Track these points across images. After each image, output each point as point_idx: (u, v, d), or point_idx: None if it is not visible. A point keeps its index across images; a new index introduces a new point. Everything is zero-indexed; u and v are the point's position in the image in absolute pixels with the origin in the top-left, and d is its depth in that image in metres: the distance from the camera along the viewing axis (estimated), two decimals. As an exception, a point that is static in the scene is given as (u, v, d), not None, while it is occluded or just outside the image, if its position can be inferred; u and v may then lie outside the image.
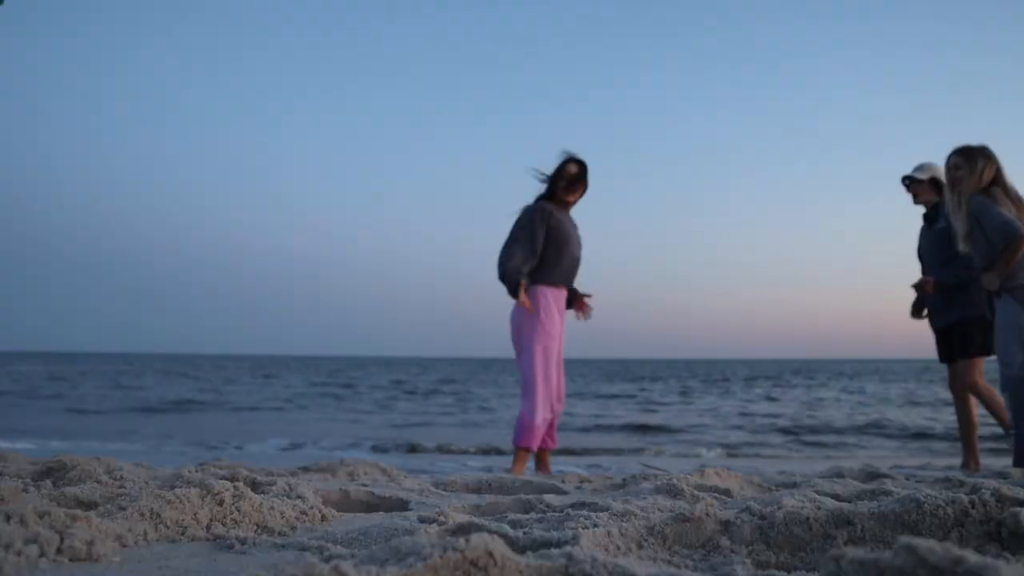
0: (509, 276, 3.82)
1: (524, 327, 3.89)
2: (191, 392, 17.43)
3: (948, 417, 11.39)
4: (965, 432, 4.27)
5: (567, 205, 4.03)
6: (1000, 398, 4.06)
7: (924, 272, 4.45)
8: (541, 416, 3.80)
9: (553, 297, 3.90)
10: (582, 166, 4.00)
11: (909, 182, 4.43)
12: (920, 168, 4.42)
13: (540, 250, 3.87)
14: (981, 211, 3.66)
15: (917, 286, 4.36)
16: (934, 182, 4.37)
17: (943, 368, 4.43)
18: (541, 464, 3.96)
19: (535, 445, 3.82)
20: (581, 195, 4.04)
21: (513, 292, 3.81)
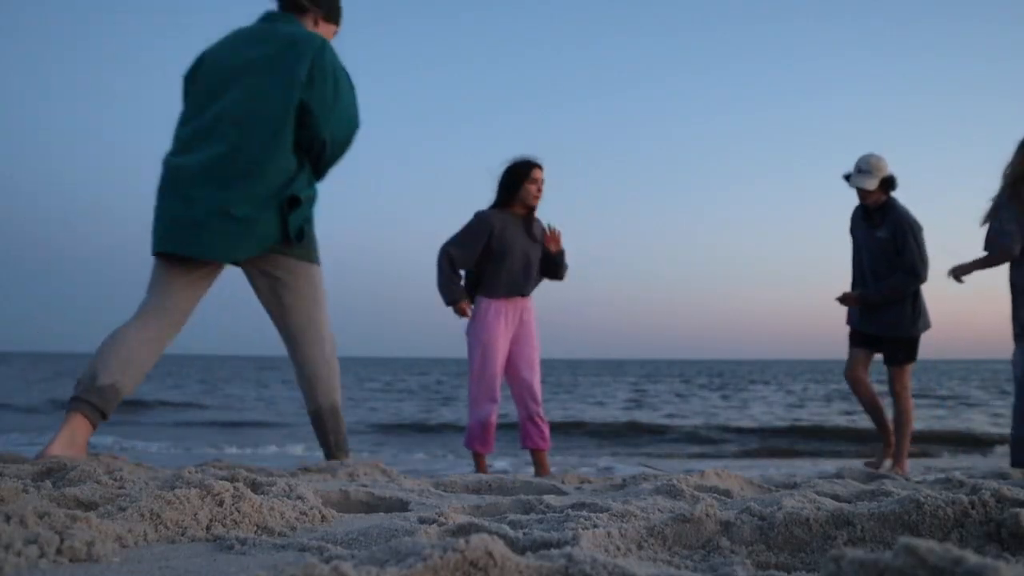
0: (445, 294, 3.86)
1: (468, 338, 3.94)
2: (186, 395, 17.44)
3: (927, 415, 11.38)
4: (885, 428, 4.33)
5: (521, 213, 3.93)
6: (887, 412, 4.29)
7: (859, 266, 4.39)
8: (476, 418, 3.85)
9: (496, 308, 3.88)
10: (530, 170, 3.88)
11: (859, 182, 4.25)
12: (868, 172, 4.21)
13: (474, 260, 3.85)
14: (995, 207, 3.67)
15: (840, 300, 4.34)
16: (885, 182, 4.23)
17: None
18: (538, 466, 3.99)
19: (477, 446, 3.87)
20: (535, 200, 3.92)
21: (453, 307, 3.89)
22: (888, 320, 4.21)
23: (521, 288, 3.91)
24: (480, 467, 3.92)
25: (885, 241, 4.18)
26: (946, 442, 8.32)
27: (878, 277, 4.23)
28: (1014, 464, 3.65)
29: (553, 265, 3.99)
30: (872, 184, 4.18)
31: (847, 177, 4.33)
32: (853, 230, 4.46)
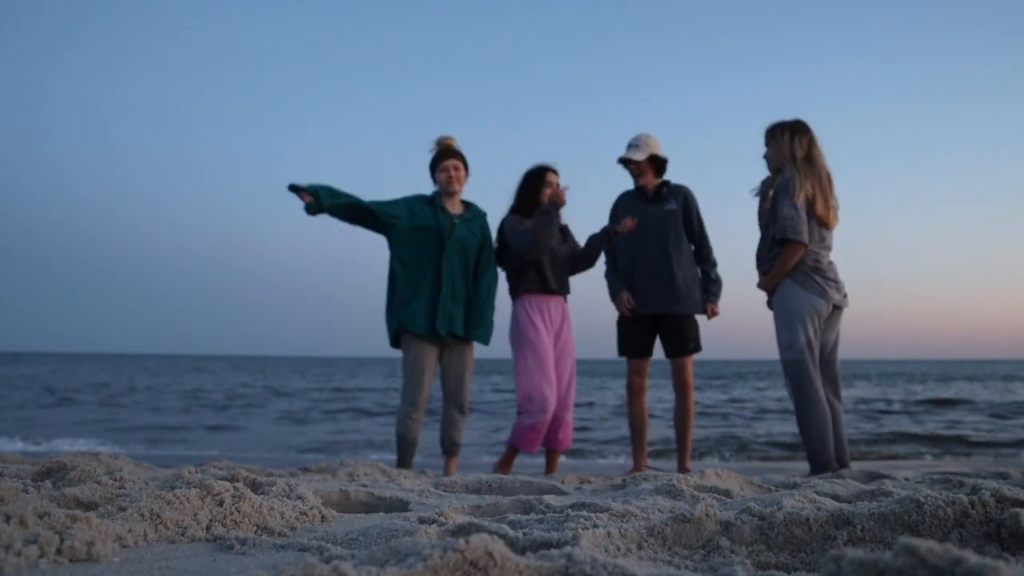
0: (534, 235, 3.79)
1: (511, 336, 3.97)
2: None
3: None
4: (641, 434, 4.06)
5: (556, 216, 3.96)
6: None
7: (634, 250, 4.00)
8: (531, 420, 3.80)
9: (533, 304, 3.93)
10: (542, 175, 3.98)
11: (627, 163, 4.01)
12: (636, 147, 4.01)
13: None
14: (779, 193, 3.43)
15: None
16: (653, 159, 4.00)
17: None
18: (548, 464, 4.02)
19: (525, 446, 3.87)
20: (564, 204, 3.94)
21: (550, 219, 3.76)
22: (678, 293, 3.91)
23: (552, 285, 3.94)
24: (507, 465, 3.93)
25: (674, 211, 3.95)
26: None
27: (673, 249, 3.92)
28: (814, 471, 3.36)
29: (581, 256, 4.01)
30: (639, 155, 3.97)
31: (623, 160, 4.06)
32: (621, 216, 4.06)
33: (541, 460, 4.31)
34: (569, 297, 4.07)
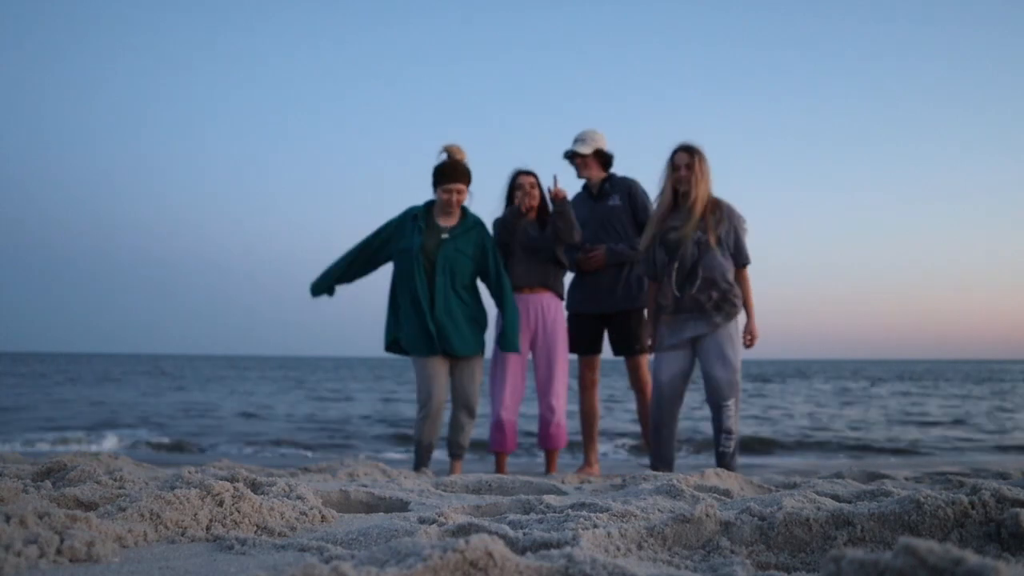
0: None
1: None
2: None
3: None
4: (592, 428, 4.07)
5: (526, 215, 3.99)
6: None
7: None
8: (492, 419, 3.92)
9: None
10: (527, 179, 3.98)
11: (574, 156, 4.05)
12: (583, 141, 4.04)
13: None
14: (738, 223, 3.58)
15: (583, 258, 3.94)
16: (599, 154, 4.05)
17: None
18: (548, 464, 4.05)
19: (496, 447, 3.94)
20: (536, 204, 3.98)
21: (562, 210, 3.77)
22: (627, 288, 3.95)
23: (528, 278, 3.93)
24: (500, 467, 3.96)
25: (619, 208, 3.99)
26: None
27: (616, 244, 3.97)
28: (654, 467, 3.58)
29: (555, 228, 3.92)
30: (586, 148, 4.02)
31: (570, 154, 4.10)
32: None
33: (541, 460, 4.31)
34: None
